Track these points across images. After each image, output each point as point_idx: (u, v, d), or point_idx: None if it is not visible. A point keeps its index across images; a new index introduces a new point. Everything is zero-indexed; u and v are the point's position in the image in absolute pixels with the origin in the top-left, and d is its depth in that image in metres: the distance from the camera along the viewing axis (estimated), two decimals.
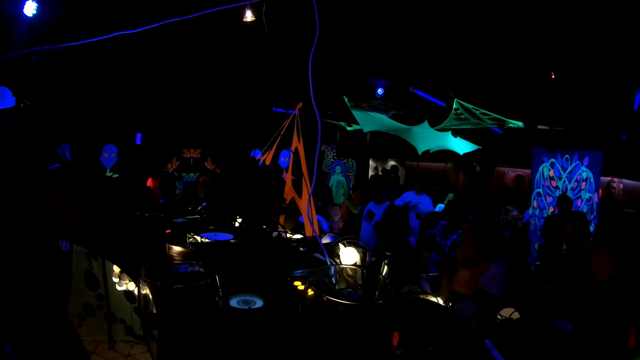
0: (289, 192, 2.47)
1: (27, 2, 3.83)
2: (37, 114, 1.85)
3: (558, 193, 6.08)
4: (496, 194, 8.97)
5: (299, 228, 2.81)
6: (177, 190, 6.84)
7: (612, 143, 7.19)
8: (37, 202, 1.71)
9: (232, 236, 1.80)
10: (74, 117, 1.98)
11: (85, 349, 1.96)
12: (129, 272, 1.86)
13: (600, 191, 5.90)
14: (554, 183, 6.20)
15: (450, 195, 7.80)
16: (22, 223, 1.73)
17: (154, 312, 0.77)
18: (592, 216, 5.73)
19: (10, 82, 5.18)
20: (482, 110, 6.85)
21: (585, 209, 5.79)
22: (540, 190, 6.36)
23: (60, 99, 1.92)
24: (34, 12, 3.88)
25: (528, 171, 6.78)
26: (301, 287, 1.42)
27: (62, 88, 1.91)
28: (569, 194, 5.95)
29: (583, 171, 5.90)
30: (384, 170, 12.40)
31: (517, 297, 3.24)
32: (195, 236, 1.76)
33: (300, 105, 2.41)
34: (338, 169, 9.19)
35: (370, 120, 8.35)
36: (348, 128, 10.15)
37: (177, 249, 1.61)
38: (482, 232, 2.28)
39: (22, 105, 1.86)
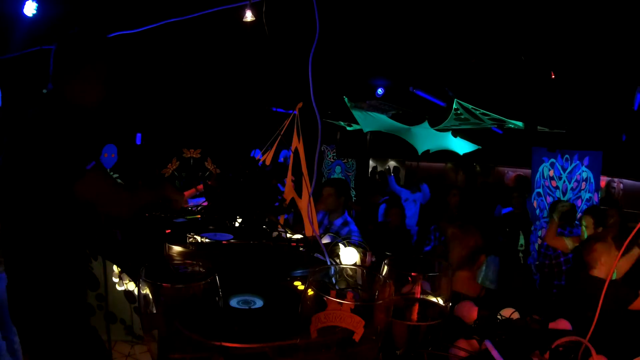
0: (289, 192, 2.47)
1: (27, 2, 3.83)
2: (64, 102, 1.75)
3: (558, 193, 6.08)
4: (481, 190, 8.98)
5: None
6: None
7: (612, 143, 7.18)
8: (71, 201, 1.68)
9: (232, 236, 1.79)
10: (104, 111, 1.92)
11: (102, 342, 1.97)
12: (129, 272, 1.86)
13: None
14: (554, 183, 6.20)
15: None
16: (58, 219, 1.72)
17: (154, 312, 0.77)
18: None
19: (10, 82, 5.17)
20: (482, 110, 6.85)
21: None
22: (540, 190, 6.36)
23: (86, 86, 1.82)
24: (34, 12, 3.88)
25: (528, 171, 6.77)
26: (301, 287, 1.42)
27: (86, 73, 1.81)
28: (569, 194, 5.95)
29: (583, 171, 5.90)
30: (380, 172, 12.35)
31: (516, 297, 3.24)
32: (195, 236, 1.75)
33: (300, 105, 2.41)
34: (338, 169, 9.17)
35: (370, 120, 8.35)
36: (348, 128, 10.14)
37: (177, 249, 1.61)
38: (474, 231, 2.27)
39: (44, 91, 1.78)
